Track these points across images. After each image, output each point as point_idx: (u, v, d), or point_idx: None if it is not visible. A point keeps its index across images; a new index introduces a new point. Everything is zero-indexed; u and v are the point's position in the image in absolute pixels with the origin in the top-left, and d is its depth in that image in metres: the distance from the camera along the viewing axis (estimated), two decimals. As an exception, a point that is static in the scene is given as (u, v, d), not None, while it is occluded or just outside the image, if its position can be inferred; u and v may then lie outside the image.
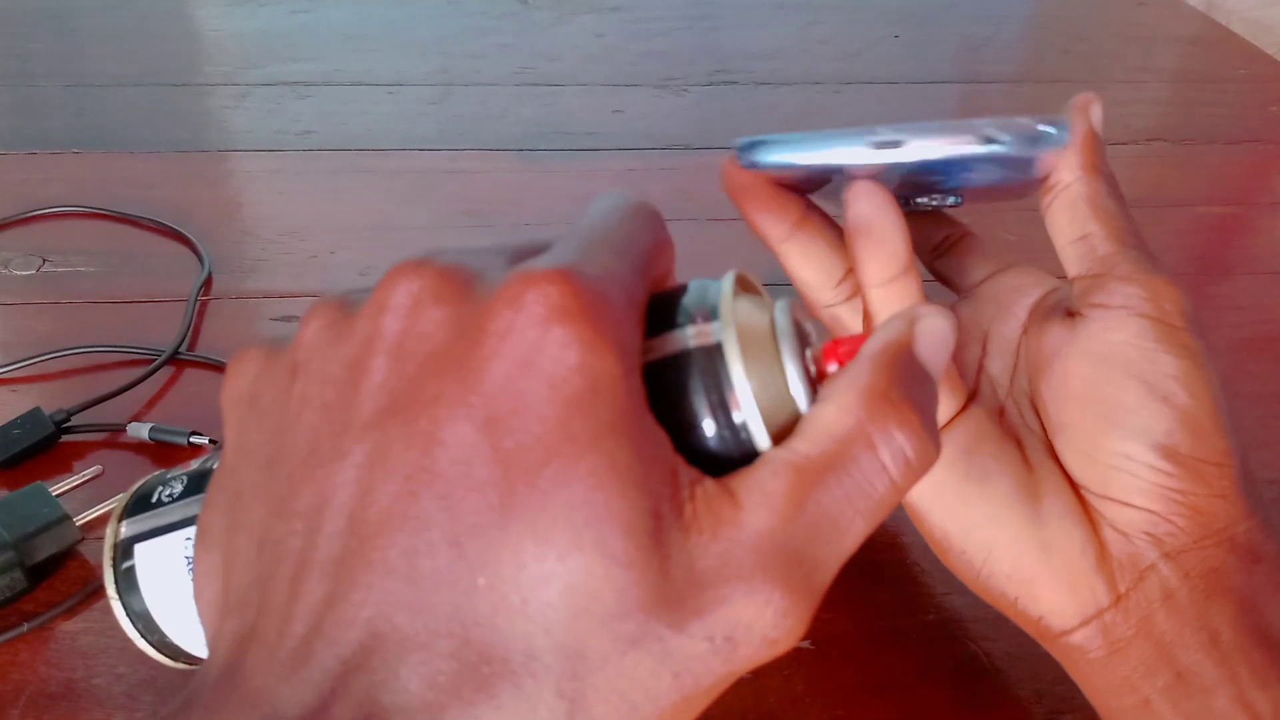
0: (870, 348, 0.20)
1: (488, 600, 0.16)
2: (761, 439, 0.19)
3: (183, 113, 0.70)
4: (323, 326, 0.20)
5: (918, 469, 0.19)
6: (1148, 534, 0.28)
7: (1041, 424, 0.31)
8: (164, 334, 0.49)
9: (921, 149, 0.26)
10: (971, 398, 0.33)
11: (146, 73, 0.74)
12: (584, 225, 0.21)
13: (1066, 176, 0.31)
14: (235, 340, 0.49)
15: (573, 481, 0.17)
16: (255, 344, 0.21)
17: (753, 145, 0.28)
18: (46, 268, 0.54)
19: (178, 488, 0.27)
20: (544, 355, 0.17)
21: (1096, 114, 0.31)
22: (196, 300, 0.51)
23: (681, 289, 0.21)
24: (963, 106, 0.78)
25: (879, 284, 0.29)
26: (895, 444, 0.18)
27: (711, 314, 0.20)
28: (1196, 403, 0.28)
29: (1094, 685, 0.29)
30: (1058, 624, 0.29)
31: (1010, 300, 0.34)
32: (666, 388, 0.19)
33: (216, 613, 0.20)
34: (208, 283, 0.53)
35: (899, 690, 0.35)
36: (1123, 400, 0.28)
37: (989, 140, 0.25)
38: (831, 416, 0.19)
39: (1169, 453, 0.28)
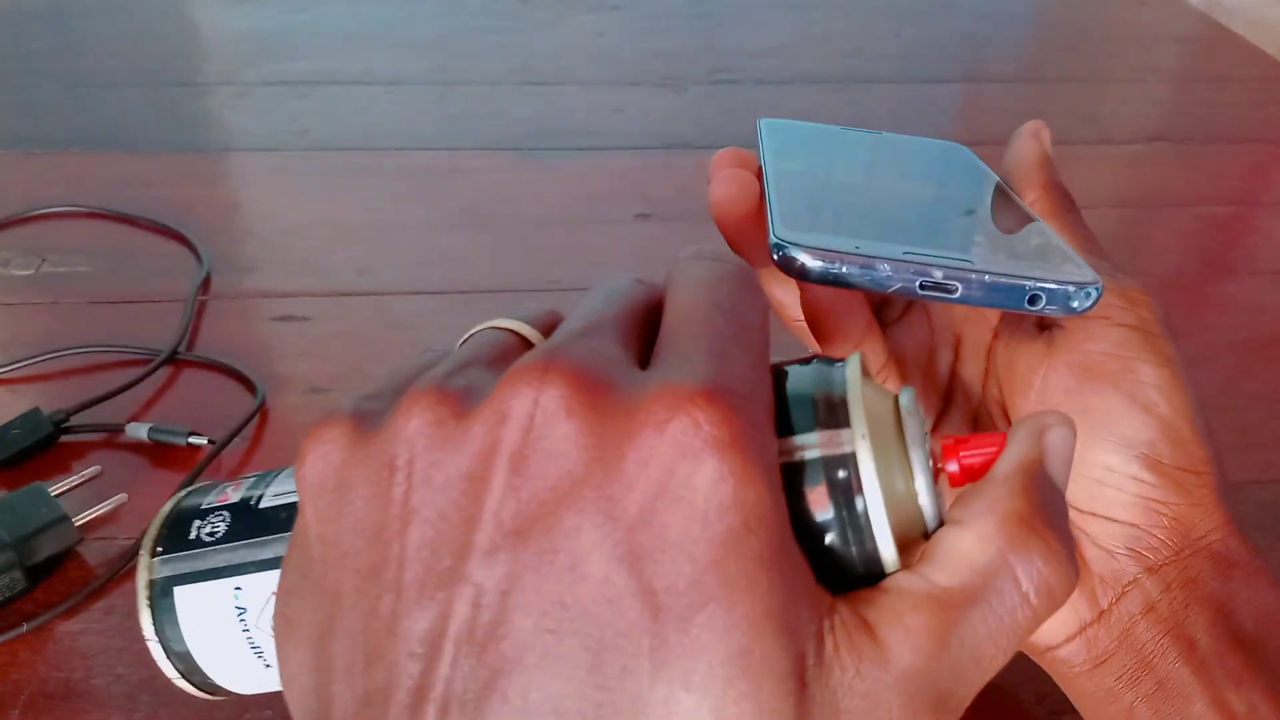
0: (1005, 467, 0.19)
1: None
2: (888, 551, 0.18)
3: (182, 112, 0.70)
4: (429, 425, 0.18)
5: (1059, 598, 0.18)
6: (1130, 549, 0.28)
7: None
8: (163, 334, 0.49)
9: (965, 298, 0.25)
10: (945, 408, 0.33)
11: (145, 73, 0.74)
12: (699, 303, 0.19)
13: (1028, 195, 0.32)
14: (234, 340, 0.49)
15: (728, 630, 0.16)
16: (340, 415, 0.19)
17: (793, 248, 0.26)
18: (45, 267, 0.54)
19: (220, 527, 0.26)
20: (695, 490, 0.16)
21: (1046, 138, 0.33)
22: (195, 300, 0.51)
23: (797, 371, 0.20)
24: (964, 105, 0.77)
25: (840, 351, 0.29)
26: (1039, 574, 0.18)
27: (837, 411, 0.19)
28: (1176, 412, 0.28)
29: (1080, 695, 0.30)
30: (1042, 640, 0.29)
31: None
32: (791, 495, 0.18)
33: None
34: (206, 282, 0.53)
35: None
36: (1105, 411, 0.28)
37: (1033, 302, 0.25)
38: (972, 546, 0.18)
39: (1152, 464, 0.28)
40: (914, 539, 0.19)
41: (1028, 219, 0.30)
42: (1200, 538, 0.28)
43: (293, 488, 0.26)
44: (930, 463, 0.19)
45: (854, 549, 0.18)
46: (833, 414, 0.19)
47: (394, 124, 0.69)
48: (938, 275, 0.25)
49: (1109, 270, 0.30)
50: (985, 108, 0.77)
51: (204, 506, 0.27)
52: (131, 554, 0.38)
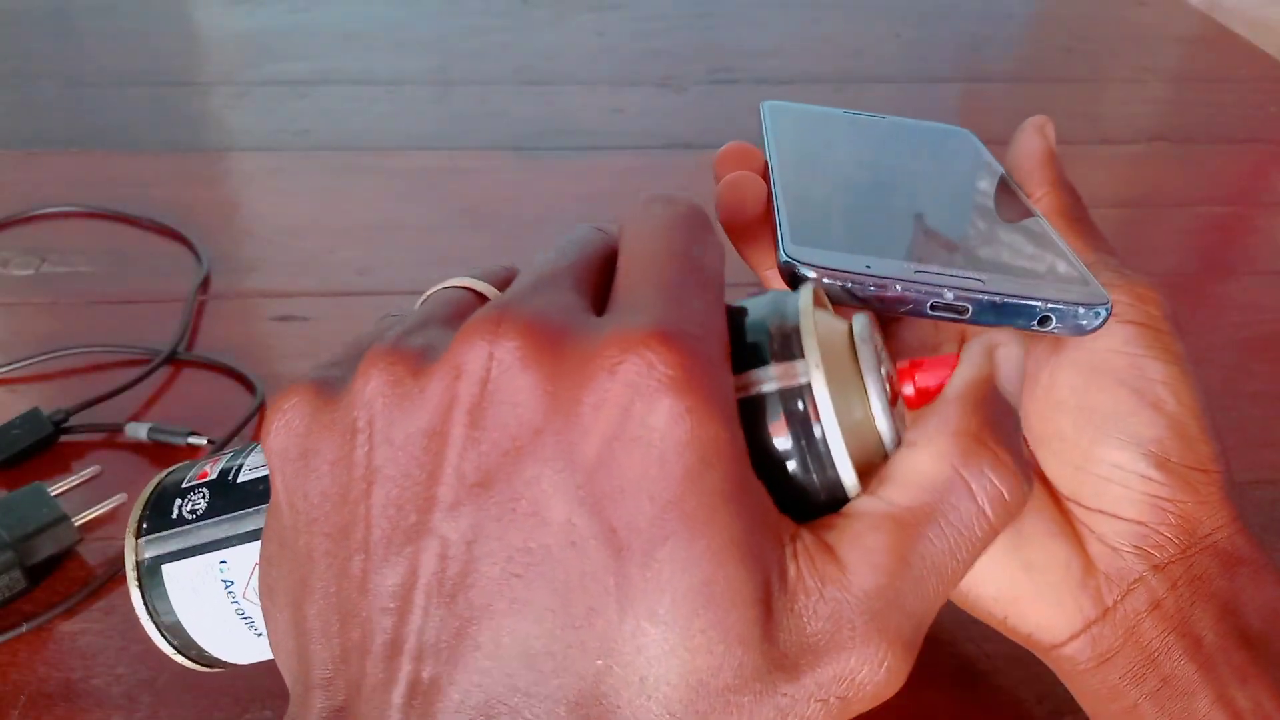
0: (956, 387, 0.19)
1: (606, 681, 0.16)
2: (849, 477, 0.19)
3: (181, 112, 0.70)
4: (386, 385, 0.18)
5: (1014, 509, 0.18)
6: (1136, 547, 0.28)
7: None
8: (162, 334, 0.49)
9: (976, 319, 0.25)
10: None
11: (145, 72, 0.74)
12: (653, 248, 0.20)
13: (1035, 193, 0.32)
14: (234, 340, 0.49)
15: (690, 563, 0.16)
16: (301, 384, 0.20)
17: (803, 266, 0.25)
18: (45, 267, 0.54)
19: (200, 503, 0.26)
20: (651, 430, 0.16)
21: (1050, 133, 0.33)
22: (195, 300, 0.51)
23: (753, 305, 0.20)
24: (964, 105, 0.77)
25: None
26: (992, 487, 0.18)
27: (790, 343, 0.19)
28: (1184, 409, 0.28)
29: (1084, 692, 0.29)
30: (1047, 639, 0.29)
31: None
32: (751, 428, 0.18)
33: (300, 686, 0.19)
34: (206, 282, 0.53)
35: (899, 692, 0.35)
36: (1113, 408, 0.28)
37: (1043, 323, 0.26)
38: (927, 465, 0.18)
39: (1160, 461, 0.28)
40: (874, 463, 0.19)
41: (1029, 214, 0.30)
42: (1207, 535, 0.28)
43: None
44: (886, 387, 0.19)
45: (815, 477, 0.19)
46: (787, 346, 0.19)
47: (394, 124, 0.69)
48: (949, 297, 0.25)
49: (1116, 266, 0.29)
50: (985, 108, 0.77)
51: (184, 484, 0.27)
52: (131, 554, 0.38)
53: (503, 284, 0.22)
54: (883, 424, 0.19)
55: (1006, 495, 0.18)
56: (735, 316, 0.20)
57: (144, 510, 0.27)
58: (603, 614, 0.16)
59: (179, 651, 0.27)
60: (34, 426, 0.42)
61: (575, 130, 0.69)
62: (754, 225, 0.29)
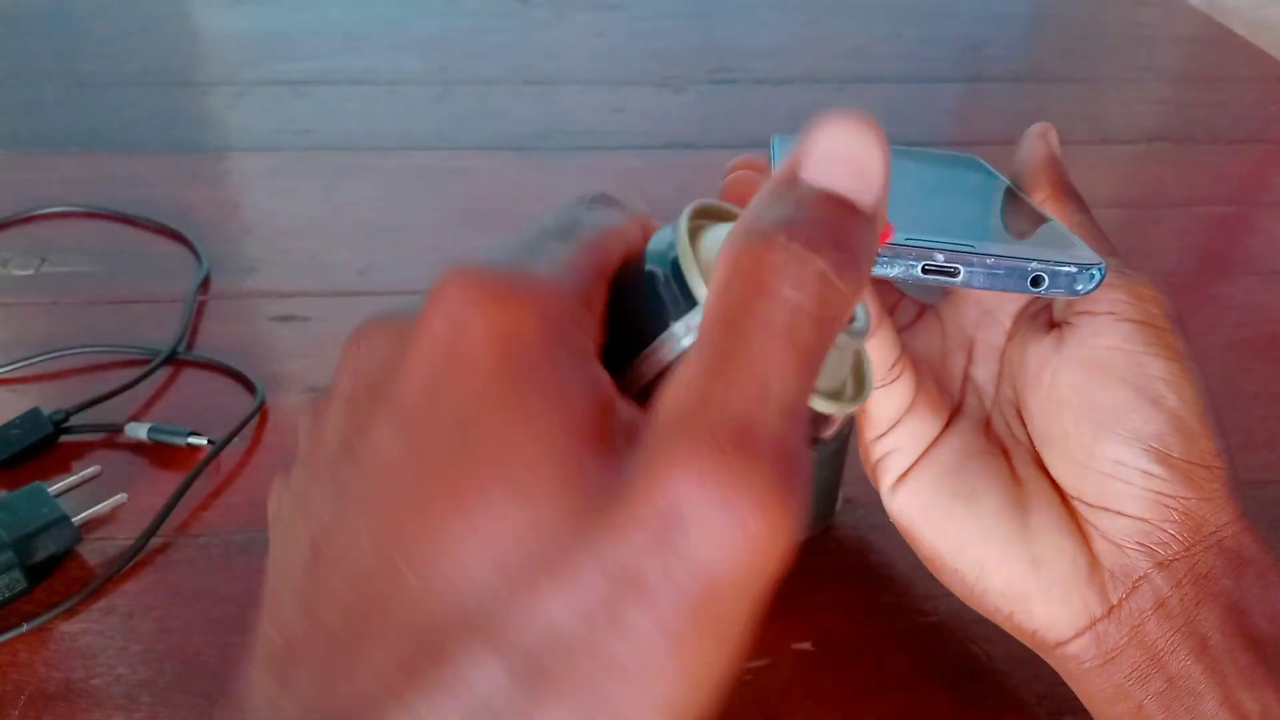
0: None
1: (416, 587, 0.15)
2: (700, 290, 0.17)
3: (181, 112, 0.70)
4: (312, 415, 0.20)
5: (846, 289, 0.16)
6: (1140, 544, 0.28)
7: (1028, 434, 0.31)
8: (162, 334, 0.49)
9: (969, 281, 0.25)
10: (957, 410, 0.33)
11: (145, 72, 0.74)
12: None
13: (1038, 195, 0.32)
14: (234, 340, 0.49)
15: (482, 442, 0.15)
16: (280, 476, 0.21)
17: None
18: (45, 267, 0.54)
19: None
20: (460, 340, 0.16)
21: (1053, 138, 0.33)
22: (195, 300, 0.51)
23: (641, 250, 0.20)
24: (964, 105, 0.77)
25: None
26: (813, 277, 0.15)
27: (672, 255, 0.18)
28: (1185, 405, 0.28)
29: (1089, 692, 0.29)
30: (1052, 636, 0.29)
31: (994, 306, 0.34)
32: (624, 320, 0.18)
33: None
34: (206, 282, 0.53)
35: (900, 692, 0.35)
36: (1114, 405, 0.28)
37: (1036, 283, 0.25)
38: (717, 278, 0.16)
39: (1161, 457, 0.28)
40: None
41: (1041, 219, 0.31)
42: (1211, 533, 0.28)
43: None
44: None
45: (665, 344, 0.18)
46: (672, 273, 0.18)
47: (394, 124, 0.69)
48: (939, 258, 0.25)
49: (1118, 266, 0.30)
50: (985, 108, 0.77)
51: None
52: (130, 554, 0.38)
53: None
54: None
55: (832, 278, 0.15)
56: (634, 262, 0.19)
57: None
58: (407, 519, 0.16)
59: None
60: (34, 426, 0.42)
61: (575, 130, 0.69)
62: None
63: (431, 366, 0.16)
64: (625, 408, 0.16)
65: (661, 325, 0.18)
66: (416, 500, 0.16)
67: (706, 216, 0.20)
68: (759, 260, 0.15)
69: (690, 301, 0.18)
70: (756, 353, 0.15)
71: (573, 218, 0.20)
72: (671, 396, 0.15)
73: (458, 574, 0.15)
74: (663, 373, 0.18)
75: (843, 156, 0.16)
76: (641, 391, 0.18)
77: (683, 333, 0.18)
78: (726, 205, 0.21)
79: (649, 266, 0.19)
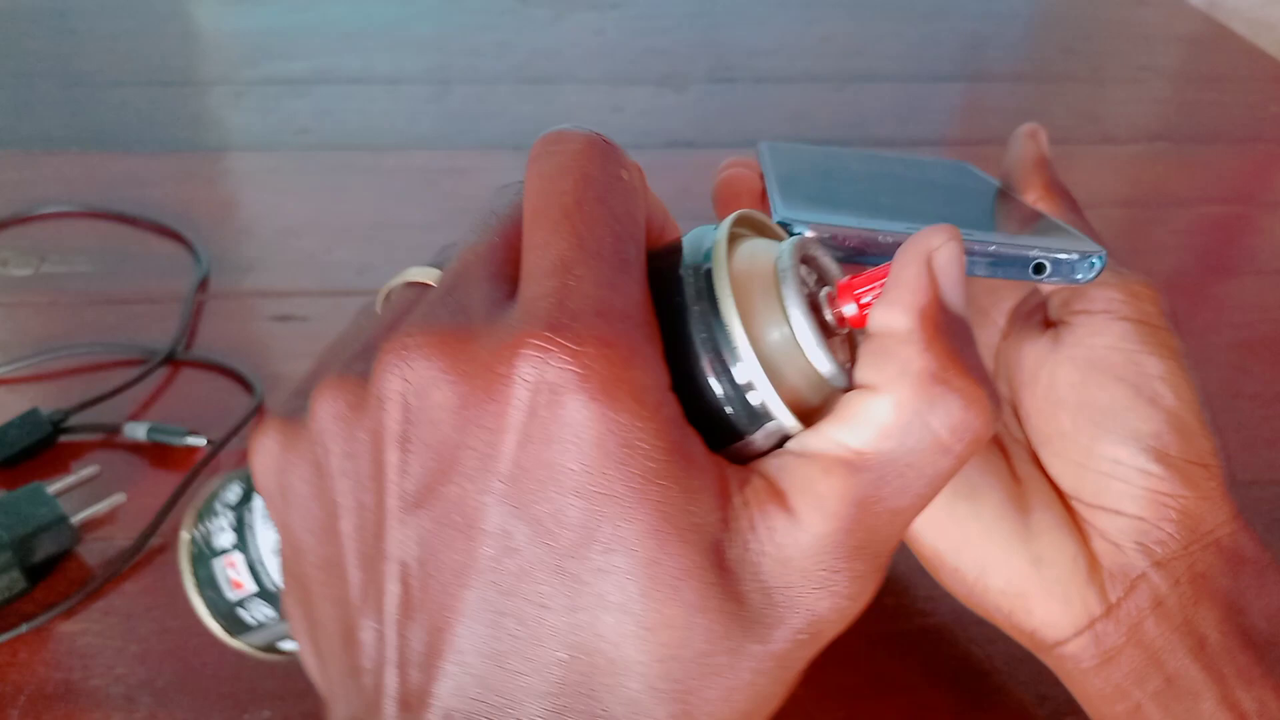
0: (901, 316, 0.18)
1: (576, 670, 0.17)
2: (786, 418, 0.18)
3: (180, 112, 0.69)
4: (333, 418, 0.19)
5: (983, 434, 0.18)
6: (1138, 543, 0.28)
7: (1025, 433, 0.31)
8: (161, 334, 0.49)
9: (971, 269, 0.25)
10: None
11: (144, 72, 0.74)
12: (546, 207, 0.19)
13: (1029, 197, 0.32)
14: (232, 340, 0.49)
15: (628, 547, 0.16)
16: (270, 421, 0.21)
17: (796, 224, 0.25)
18: (45, 267, 0.54)
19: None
20: (564, 427, 0.16)
21: (1043, 139, 0.33)
22: (193, 299, 0.51)
23: (686, 241, 0.20)
24: (964, 105, 0.77)
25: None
26: (960, 422, 0.18)
27: (707, 282, 0.18)
28: (1182, 403, 0.28)
29: (1087, 693, 0.29)
30: (1051, 636, 0.29)
31: (988, 305, 0.34)
32: (688, 372, 0.18)
33: (327, 697, 0.21)
34: (205, 282, 0.53)
35: (901, 693, 0.35)
36: (1111, 404, 0.28)
37: (1038, 271, 0.25)
38: (885, 410, 0.18)
39: (1159, 456, 0.28)
40: (814, 398, 0.19)
41: (1036, 215, 0.30)
42: (1209, 532, 0.28)
43: None
44: (813, 317, 0.19)
45: (746, 416, 0.18)
46: (702, 287, 0.18)
47: (393, 123, 0.69)
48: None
49: (1112, 265, 0.30)
50: (985, 107, 0.77)
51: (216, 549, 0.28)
52: (129, 554, 0.38)
53: None
54: (818, 359, 0.18)
55: (976, 425, 0.18)
56: (667, 257, 0.19)
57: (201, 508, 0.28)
58: (553, 610, 0.17)
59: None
60: (33, 426, 0.42)
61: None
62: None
63: (534, 446, 0.17)
64: (733, 476, 0.18)
65: (694, 347, 0.18)
66: (568, 596, 0.17)
67: (745, 226, 0.21)
68: (928, 411, 0.18)
69: (716, 312, 0.18)
70: (905, 501, 0.18)
71: (594, 210, 0.19)
72: (819, 528, 0.18)
73: (626, 666, 0.17)
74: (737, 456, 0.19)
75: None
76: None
77: (761, 441, 0.19)
78: (766, 219, 0.21)
79: (683, 270, 0.19)
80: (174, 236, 0.56)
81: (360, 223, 0.58)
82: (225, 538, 0.27)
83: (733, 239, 0.20)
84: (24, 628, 0.35)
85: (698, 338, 0.18)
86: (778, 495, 0.18)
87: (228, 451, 0.43)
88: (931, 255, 0.19)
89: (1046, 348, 0.30)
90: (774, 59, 0.80)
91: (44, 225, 0.57)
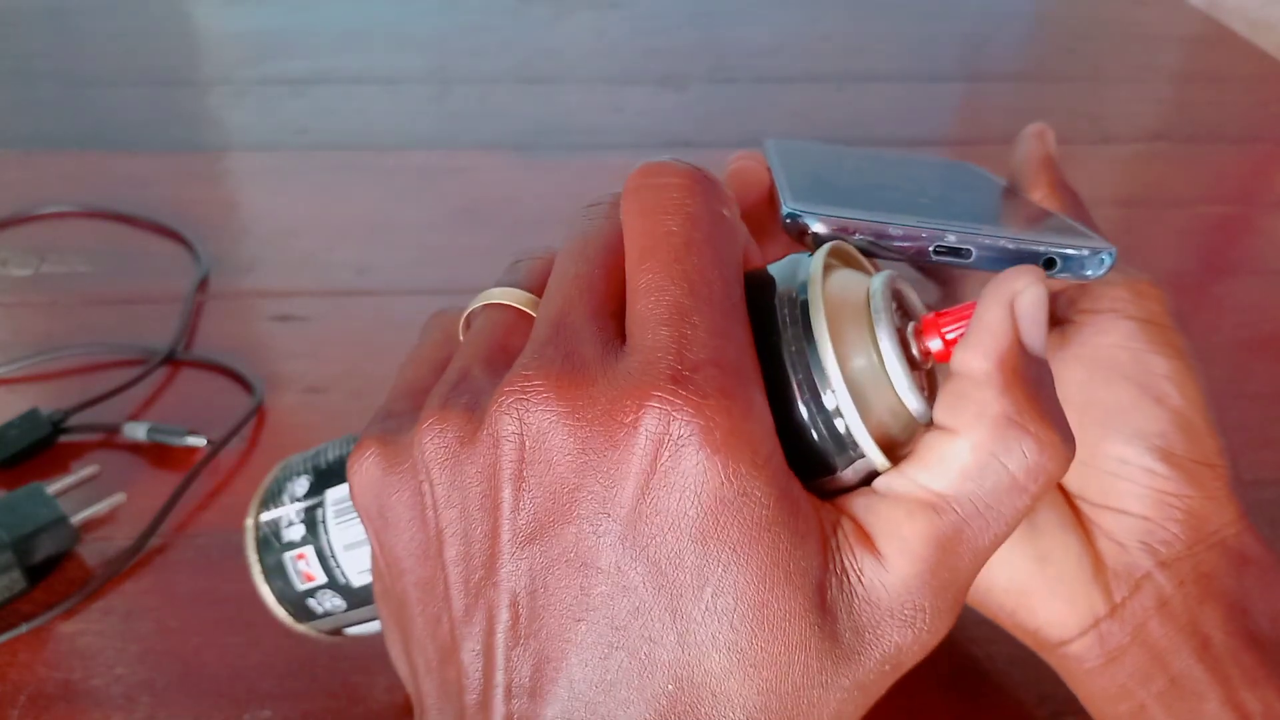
0: (982, 360, 0.19)
1: (681, 701, 0.18)
2: (875, 455, 0.19)
3: (180, 112, 0.69)
4: (440, 449, 0.20)
5: (1058, 474, 0.19)
6: (1143, 543, 0.28)
7: None
8: (161, 334, 0.49)
9: (980, 263, 0.25)
10: None
11: (144, 72, 0.74)
12: (653, 247, 0.19)
13: (1035, 195, 0.32)
14: (232, 340, 0.49)
15: (739, 591, 0.17)
16: (369, 439, 0.22)
17: (805, 215, 0.25)
18: (44, 267, 0.54)
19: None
20: (683, 475, 0.17)
21: (1049, 139, 0.33)
22: (193, 300, 0.51)
23: (776, 272, 0.20)
24: (964, 105, 0.77)
25: None
26: (1035, 463, 0.19)
27: (800, 316, 0.19)
28: (1188, 403, 0.28)
29: (1090, 693, 0.29)
30: (1055, 635, 0.29)
31: None
32: (783, 405, 0.19)
33: (418, 708, 0.22)
34: (204, 282, 0.53)
35: (900, 694, 0.35)
36: (1117, 403, 0.28)
37: (1049, 266, 0.26)
38: (964, 453, 0.19)
39: (1165, 455, 0.28)
40: (901, 433, 0.20)
41: (1044, 212, 0.30)
42: (1214, 532, 0.28)
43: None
44: (902, 353, 0.19)
45: (837, 453, 0.19)
46: (796, 320, 0.19)
47: (392, 123, 0.69)
48: (951, 239, 0.25)
49: (1118, 265, 0.30)
50: (986, 107, 0.77)
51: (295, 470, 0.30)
52: (129, 554, 0.38)
53: (540, 284, 0.23)
54: (906, 393, 0.19)
55: (1050, 466, 0.19)
56: (760, 289, 0.20)
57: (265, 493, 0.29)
58: (663, 645, 0.18)
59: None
60: (32, 426, 0.42)
61: (575, 129, 0.69)
62: (759, 206, 0.29)
63: (654, 491, 0.18)
64: (827, 515, 0.19)
65: (790, 380, 0.19)
66: (678, 635, 0.18)
67: (835, 257, 0.21)
68: (1004, 453, 0.19)
69: (812, 343, 0.19)
70: (983, 541, 0.19)
71: (704, 254, 0.20)
72: (905, 570, 0.19)
73: (729, 699, 0.18)
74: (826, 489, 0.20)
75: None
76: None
77: (849, 478, 0.20)
78: (854, 251, 0.22)
79: (777, 300, 0.20)
80: (174, 236, 0.56)
81: (360, 223, 0.58)
82: (295, 531, 0.28)
83: (825, 269, 0.20)
84: (24, 628, 0.35)
85: (795, 375, 0.19)
86: (865, 538, 0.19)
87: (227, 451, 0.43)
88: (1015, 298, 0.20)
89: (1052, 346, 0.30)
90: (774, 59, 0.80)
91: (44, 225, 0.57)
